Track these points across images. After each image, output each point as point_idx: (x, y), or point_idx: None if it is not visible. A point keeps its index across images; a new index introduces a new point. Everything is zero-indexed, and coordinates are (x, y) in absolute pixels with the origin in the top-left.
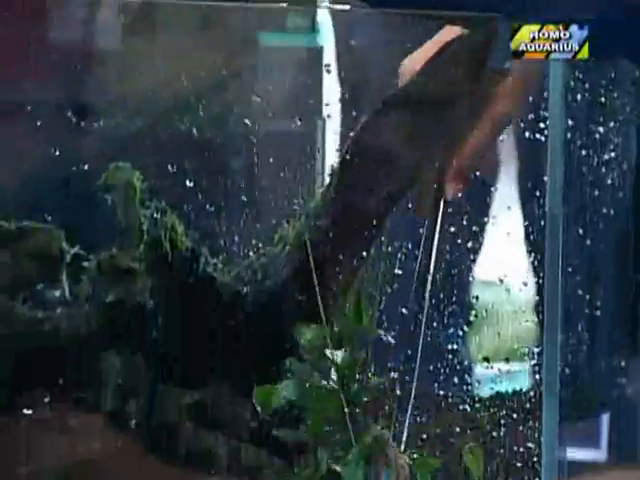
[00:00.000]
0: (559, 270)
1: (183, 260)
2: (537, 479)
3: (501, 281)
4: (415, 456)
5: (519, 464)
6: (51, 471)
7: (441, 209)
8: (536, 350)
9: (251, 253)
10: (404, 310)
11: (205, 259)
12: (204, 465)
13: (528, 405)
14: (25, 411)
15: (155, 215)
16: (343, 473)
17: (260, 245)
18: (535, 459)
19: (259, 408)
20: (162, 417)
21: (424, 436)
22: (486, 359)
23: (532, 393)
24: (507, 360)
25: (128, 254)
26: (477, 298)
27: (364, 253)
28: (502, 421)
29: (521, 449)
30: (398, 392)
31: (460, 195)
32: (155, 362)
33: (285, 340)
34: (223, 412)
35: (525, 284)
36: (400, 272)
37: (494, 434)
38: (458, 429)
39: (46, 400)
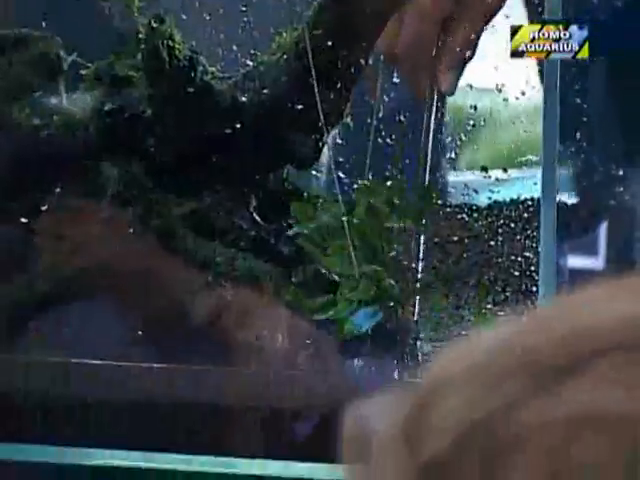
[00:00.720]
0: (557, 79)
1: (181, 68)
2: (535, 287)
3: (499, 90)
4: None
5: (517, 273)
6: (48, 278)
7: (435, 99)
8: (534, 158)
9: (249, 61)
10: (402, 118)
11: (203, 67)
12: (202, 272)
13: (526, 214)
14: (22, 219)
15: (153, 23)
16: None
17: (258, 53)
18: (533, 268)
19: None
20: (160, 224)
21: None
22: (484, 168)
23: (530, 202)
24: (505, 169)
25: (126, 62)
26: (475, 108)
27: (362, 62)
28: (500, 230)
29: (519, 258)
30: (396, 201)
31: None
32: (152, 171)
33: (283, 148)
34: (221, 221)
35: (523, 93)
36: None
37: (492, 243)
38: (456, 238)
39: (43, 208)
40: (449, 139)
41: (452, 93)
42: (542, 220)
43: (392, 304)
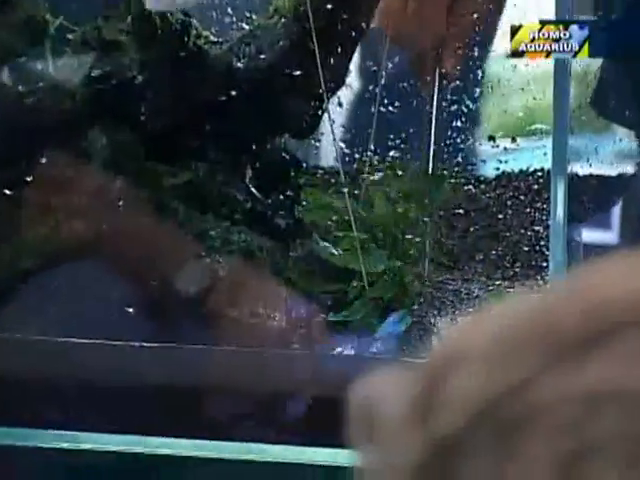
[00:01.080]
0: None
1: (173, 32)
2: (545, 263)
3: (507, 56)
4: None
5: (526, 247)
6: (33, 252)
7: (437, 82)
8: (544, 127)
9: (245, 25)
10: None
11: (196, 31)
12: (194, 247)
13: (535, 186)
14: (6, 190)
15: None
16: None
17: (254, 16)
18: (543, 242)
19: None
20: (151, 196)
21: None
22: (492, 137)
23: (540, 173)
24: (514, 139)
25: (115, 25)
26: (483, 73)
27: (364, 25)
28: (508, 202)
29: (528, 232)
30: (400, 172)
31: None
32: (143, 139)
33: (281, 117)
34: (215, 192)
35: None
36: None
37: (500, 216)
38: (462, 211)
39: (28, 179)
40: (455, 107)
41: (455, 75)
42: (552, 192)
43: (414, 304)
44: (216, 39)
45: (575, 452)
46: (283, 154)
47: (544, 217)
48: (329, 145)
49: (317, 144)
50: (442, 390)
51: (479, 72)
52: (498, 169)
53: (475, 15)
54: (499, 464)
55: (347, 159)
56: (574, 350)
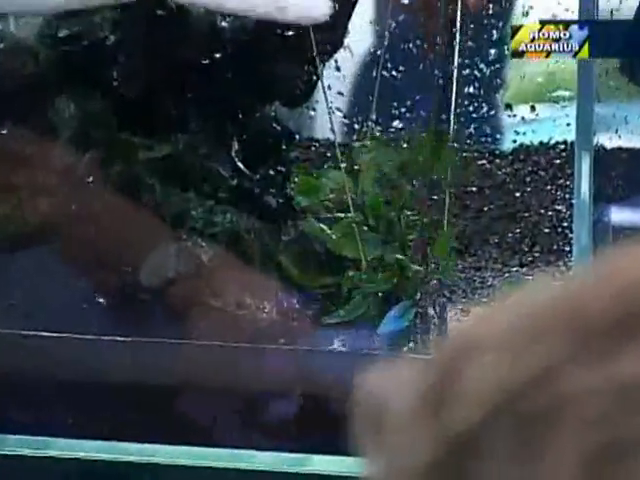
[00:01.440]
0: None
1: None
2: (569, 246)
3: (526, 13)
4: None
5: (547, 229)
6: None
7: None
8: (567, 94)
9: None
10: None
11: None
12: (173, 229)
13: (557, 160)
14: None
15: None
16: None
17: None
18: (566, 224)
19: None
20: (124, 171)
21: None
22: (508, 106)
23: (562, 146)
24: (533, 107)
25: None
26: (499, 34)
27: None
28: (527, 179)
29: (549, 212)
30: (405, 145)
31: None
32: (116, 108)
33: (270, 83)
34: (196, 167)
35: (554, 16)
36: None
37: (517, 194)
38: (475, 189)
39: None
40: (467, 71)
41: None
42: (576, 167)
43: (417, 295)
44: None
45: (606, 447)
46: (273, 124)
47: (567, 195)
48: (324, 114)
49: (311, 113)
50: (455, 382)
51: (494, 32)
52: (515, 141)
53: None
54: (521, 461)
55: (345, 130)
56: (602, 337)
